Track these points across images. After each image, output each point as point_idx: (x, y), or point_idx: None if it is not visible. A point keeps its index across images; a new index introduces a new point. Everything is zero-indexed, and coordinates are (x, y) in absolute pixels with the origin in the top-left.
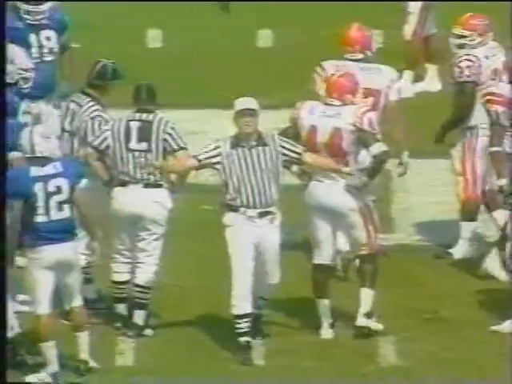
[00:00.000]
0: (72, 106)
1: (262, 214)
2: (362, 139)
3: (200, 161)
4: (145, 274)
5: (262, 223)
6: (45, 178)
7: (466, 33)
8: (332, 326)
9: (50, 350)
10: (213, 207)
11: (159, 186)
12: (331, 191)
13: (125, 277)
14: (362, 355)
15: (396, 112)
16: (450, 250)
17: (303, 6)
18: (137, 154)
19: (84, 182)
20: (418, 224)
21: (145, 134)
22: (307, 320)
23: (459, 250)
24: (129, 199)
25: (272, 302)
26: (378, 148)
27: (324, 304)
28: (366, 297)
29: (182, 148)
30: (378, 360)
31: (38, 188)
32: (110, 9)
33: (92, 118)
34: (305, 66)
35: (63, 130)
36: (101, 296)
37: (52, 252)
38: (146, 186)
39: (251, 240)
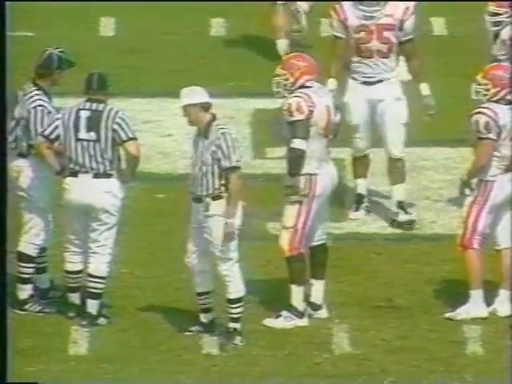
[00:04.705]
0: (20, 94)
1: (196, 201)
2: None
3: None
4: (97, 264)
5: (199, 210)
6: None
7: (502, 10)
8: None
9: None
10: (166, 195)
11: (109, 175)
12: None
13: (77, 266)
14: (315, 344)
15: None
16: None
17: None
18: (85, 143)
19: None
20: (371, 212)
21: (94, 124)
22: (261, 309)
23: None
24: (79, 189)
25: (223, 290)
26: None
27: (301, 291)
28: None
29: (130, 138)
30: (331, 348)
31: None
32: None
33: (34, 108)
34: (257, 55)
35: (12, 118)
36: (54, 285)
37: None
38: (96, 176)
39: (193, 225)
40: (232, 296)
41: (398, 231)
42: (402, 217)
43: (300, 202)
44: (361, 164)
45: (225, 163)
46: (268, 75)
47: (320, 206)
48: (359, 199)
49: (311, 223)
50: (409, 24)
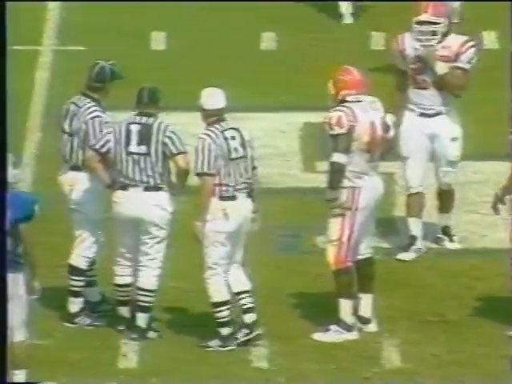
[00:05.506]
0: (71, 107)
1: None
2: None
3: None
4: (147, 278)
5: None
6: None
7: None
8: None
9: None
10: None
11: (159, 189)
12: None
13: (127, 280)
14: (364, 358)
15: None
16: None
17: (306, 8)
18: (136, 157)
19: (36, 210)
20: (421, 227)
21: (144, 138)
22: (310, 323)
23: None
24: (129, 203)
25: (275, 304)
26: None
27: (349, 304)
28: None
29: (181, 152)
30: (381, 363)
31: None
32: (114, 10)
33: (92, 119)
34: (307, 69)
35: (62, 131)
36: (105, 298)
37: None
38: (147, 189)
39: None
40: (212, 300)
41: (452, 248)
42: (449, 245)
43: (343, 215)
44: (414, 203)
45: (194, 168)
46: (317, 89)
47: (365, 218)
48: (411, 241)
49: (356, 236)
50: (465, 56)
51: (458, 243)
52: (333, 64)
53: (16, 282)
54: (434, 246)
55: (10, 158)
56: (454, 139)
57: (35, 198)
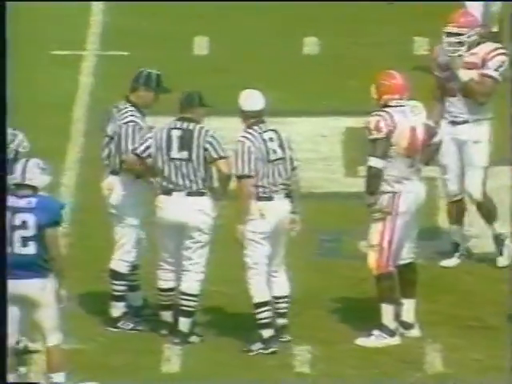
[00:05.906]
0: (114, 111)
1: None
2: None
3: None
4: (190, 282)
5: None
6: (14, 210)
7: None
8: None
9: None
10: None
11: (202, 194)
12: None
13: (170, 284)
14: (407, 363)
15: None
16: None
17: (349, 11)
18: (178, 162)
19: (63, 216)
20: (463, 233)
21: (186, 143)
22: (352, 327)
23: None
24: (172, 207)
25: (317, 309)
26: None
27: (391, 309)
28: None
29: (222, 157)
30: (423, 367)
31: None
32: (157, 15)
33: (126, 124)
34: (350, 74)
35: (105, 135)
36: (147, 303)
37: (14, 287)
38: (189, 194)
39: None
40: (254, 300)
41: (492, 251)
42: (502, 262)
43: (383, 220)
44: (456, 210)
45: (234, 171)
46: (359, 94)
47: (406, 223)
48: (454, 248)
49: (397, 241)
50: (492, 63)
51: (507, 259)
52: (375, 68)
53: (44, 288)
54: (476, 251)
55: (41, 164)
56: (476, 142)
57: (63, 204)
